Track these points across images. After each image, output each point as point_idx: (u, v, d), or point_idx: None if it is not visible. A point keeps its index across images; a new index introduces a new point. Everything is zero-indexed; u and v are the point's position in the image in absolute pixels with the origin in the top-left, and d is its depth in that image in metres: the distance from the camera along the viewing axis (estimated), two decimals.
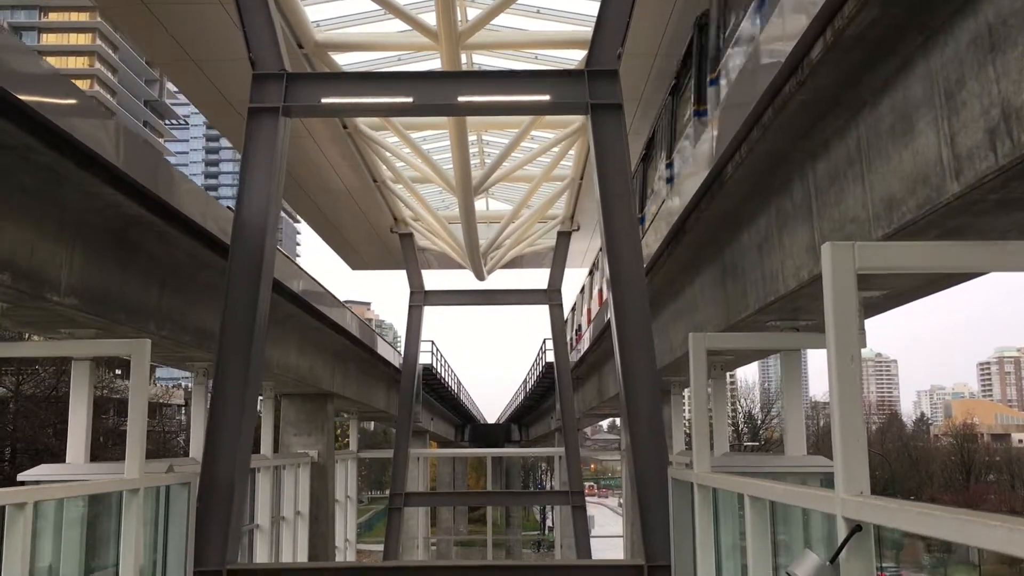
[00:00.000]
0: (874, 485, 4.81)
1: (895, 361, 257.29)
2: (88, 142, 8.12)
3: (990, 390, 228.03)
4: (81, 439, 10.37)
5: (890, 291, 14.14)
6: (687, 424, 21.40)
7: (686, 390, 21.05)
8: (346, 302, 23.98)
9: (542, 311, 27.75)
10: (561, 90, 11.08)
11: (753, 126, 7.92)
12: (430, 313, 26.85)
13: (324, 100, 11.12)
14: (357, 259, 33.09)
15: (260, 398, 19.74)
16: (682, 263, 13.01)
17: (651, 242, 13.38)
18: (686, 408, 21.53)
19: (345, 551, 27.99)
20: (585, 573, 10.90)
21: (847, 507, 4.73)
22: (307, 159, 21.38)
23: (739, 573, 8.77)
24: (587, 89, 10.85)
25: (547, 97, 11.18)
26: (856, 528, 4.72)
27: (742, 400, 77.44)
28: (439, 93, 11.26)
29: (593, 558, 26.04)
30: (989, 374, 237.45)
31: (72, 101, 8.12)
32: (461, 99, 11.18)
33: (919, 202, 6.01)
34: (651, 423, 10.18)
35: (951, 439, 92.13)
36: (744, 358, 15.16)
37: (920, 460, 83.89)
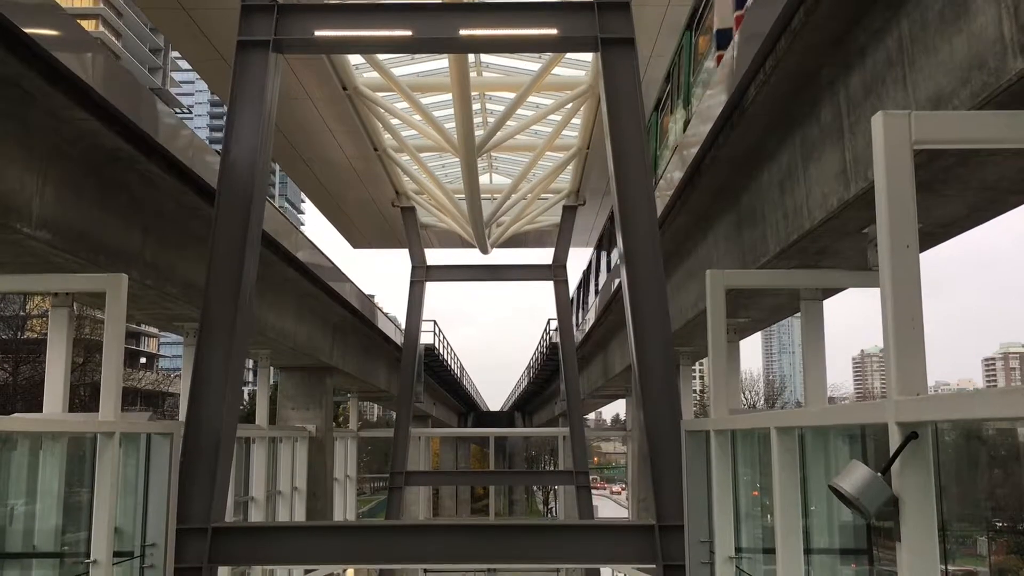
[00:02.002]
0: None
1: None
2: (56, 51, 7.47)
3: (995, 386, 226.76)
4: (59, 389, 9.70)
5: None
6: (696, 396, 20.79)
7: (698, 363, 20.43)
8: None
9: (548, 300, 27.11)
10: (569, 23, 10.43)
11: (781, 34, 7.26)
12: (433, 304, 26.23)
13: (318, 33, 10.48)
14: (359, 237, 32.45)
15: (256, 366, 19.13)
16: (695, 214, 12.36)
17: (664, 190, 12.72)
18: (696, 381, 20.94)
19: None
20: (593, 533, 10.27)
21: (902, 410, 4.08)
22: (306, 126, 20.75)
23: (760, 532, 8.16)
24: (597, 22, 10.21)
25: (554, 31, 10.53)
26: (912, 435, 4.08)
27: (747, 393, 76.65)
28: (440, 26, 10.61)
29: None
30: (994, 369, 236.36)
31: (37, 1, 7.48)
32: (463, 32, 10.53)
33: (973, 91, 5.36)
34: (663, 372, 9.53)
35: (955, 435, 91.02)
36: (760, 321, 14.50)
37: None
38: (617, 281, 23.07)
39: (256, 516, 18.39)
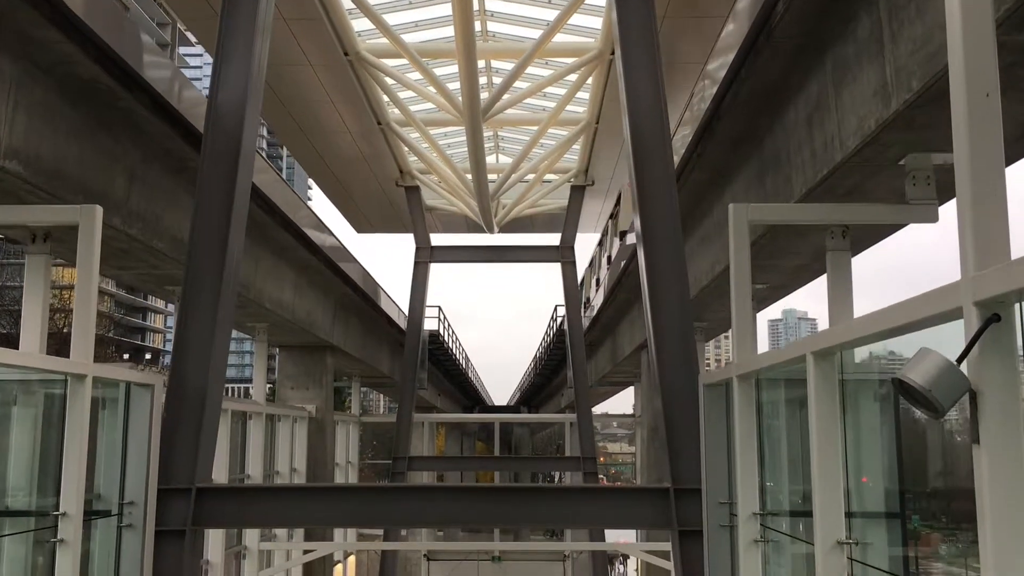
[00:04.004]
0: None
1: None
2: None
3: None
4: (35, 338, 9.11)
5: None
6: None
7: (712, 341, 19.76)
8: None
9: (553, 297, 26.44)
10: None
11: None
12: (435, 303, 25.53)
13: None
14: (362, 220, 31.85)
15: (253, 341, 18.52)
16: (712, 168, 11.68)
17: (677, 148, 12.04)
18: (709, 361, 20.26)
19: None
20: (604, 496, 9.60)
21: (980, 286, 3.41)
22: (308, 96, 20.14)
23: (787, 494, 7.49)
24: None
25: None
26: (993, 317, 3.41)
27: None
28: None
29: (606, 539, 24.76)
30: None
31: None
32: None
33: None
34: (679, 324, 8.85)
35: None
36: (779, 288, 13.82)
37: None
38: (623, 263, 22.43)
39: None
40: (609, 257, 25.90)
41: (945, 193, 7.92)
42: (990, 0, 3.54)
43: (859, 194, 8.59)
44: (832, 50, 7.75)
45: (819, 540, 5.44)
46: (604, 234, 29.45)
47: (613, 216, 26.58)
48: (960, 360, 3.46)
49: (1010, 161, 7.78)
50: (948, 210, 8.35)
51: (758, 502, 7.38)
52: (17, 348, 8.50)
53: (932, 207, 7.60)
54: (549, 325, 38.48)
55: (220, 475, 14.48)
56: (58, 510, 7.50)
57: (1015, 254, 3.42)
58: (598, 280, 28.55)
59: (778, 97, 9.14)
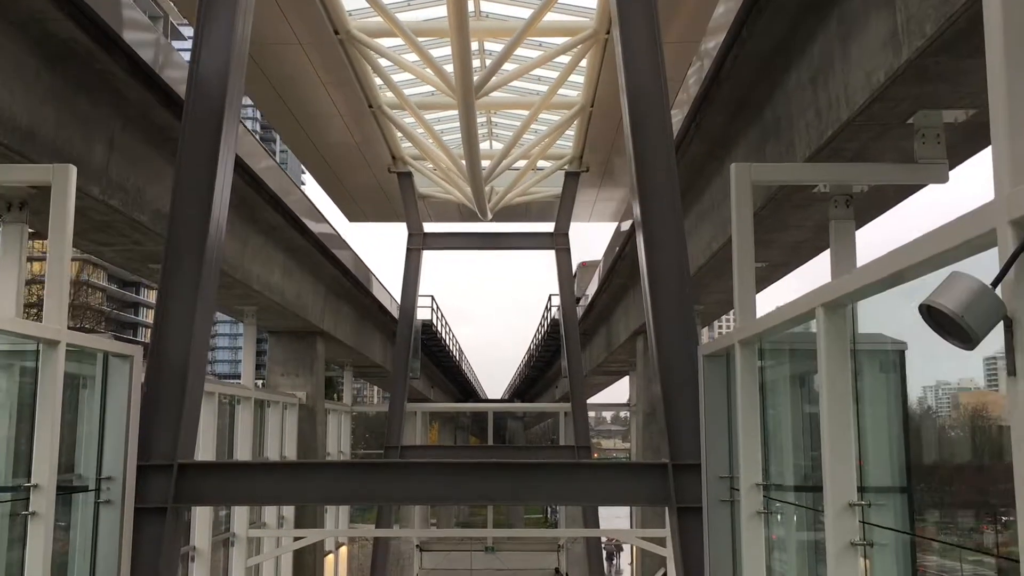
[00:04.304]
0: None
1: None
2: None
3: (995, 386, 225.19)
4: (10, 306, 8.77)
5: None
6: None
7: (707, 329, 19.48)
8: None
9: (551, 286, 26.19)
10: None
11: None
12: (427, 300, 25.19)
13: None
14: (355, 209, 31.51)
15: (241, 323, 18.15)
16: (711, 139, 11.38)
17: (675, 122, 11.72)
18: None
19: (337, 513, 26.27)
20: (601, 472, 9.30)
21: (1016, 205, 3.11)
22: (298, 83, 19.78)
23: (791, 469, 7.19)
24: None
25: None
26: None
27: None
28: None
29: (600, 526, 24.46)
30: (995, 368, 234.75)
31: None
32: None
33: None
34: (677, 293, 8.56)
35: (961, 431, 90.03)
36: (779, 266, 13.53)
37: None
38: (617, 248, 22.15)
39: None
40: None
41: (955, 154, 7.64)
42: None
43: (865, 157, 8.29)
44: (838, 3, 7.45)
45: (829, 503, 5.14)
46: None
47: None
48: (995, 284, 3.15)
49: None
50: (957, 173, 8.06)
51: (761, 472, 7.08)
52: None
53: (942, 167, 7.31)
54: (543, 316, 38.20)
55: None
56: (30, 482, 7.17)
57: None
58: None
59: (781, 58, 8.85)
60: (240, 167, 12.58)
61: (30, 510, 7.07)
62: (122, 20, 8.81)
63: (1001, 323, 3.14)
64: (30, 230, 9.12)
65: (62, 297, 7.40)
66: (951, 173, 7.58)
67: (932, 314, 3.19)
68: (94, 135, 9.66)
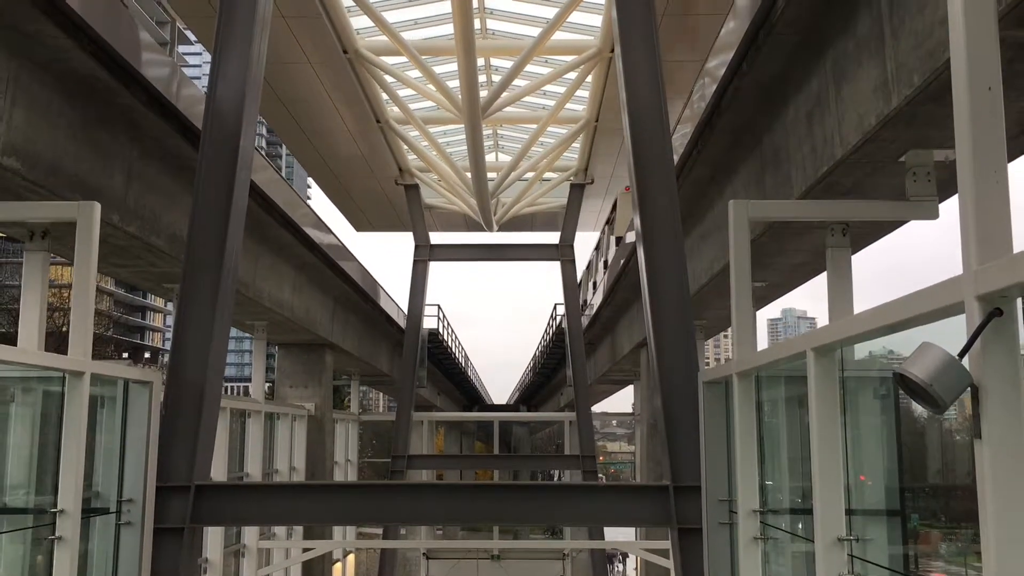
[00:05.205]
0: None
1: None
2: None
3: None
4: (33, 334, 9.09)
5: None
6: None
7: (712, 340, 19.72)
8: None
9: (552, 297, 26.44)
10: None
11: None
12: (436, 299, 25.58)
13: None
14: (362, 219, 31.83)
15: (251, 338, 18.49)
16: (712, 164, 11.65)
17: (678, 144, 12.02)
18: (709, 359, 20.19)
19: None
20: (603, 494, 9.58)
21: (982, 280, 3.39)
22: (307, 99, 20.11)
23: (787, 493, 7.47)
24: None
25: None
26: (995, 312, 3.39)
27: None
28: None
29: (606, 535, 24.73)
30: None
31: None
32: None
33: None
34: (679, 319, 8.83)
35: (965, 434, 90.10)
36: (778, 287, 13.80)
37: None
38: (621, 261, 22.39)
39: None
40: (606, 261, 25.89)
41: (945, 190, 7.90)
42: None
43: (859, 192, 8.56)
44: (832, 46, 7.73)
45: (819, 537, 5.42)
46: (601, 237, 29.44)
47: (609, 222, 26.59)
48: (962, 355, 3.44)
49: (1012, 157, 7.74)
50: (948, 207, 8.33)
51: (758, 499, 7.36)
52: (15, 346, 8.47)
53: (933, 204, 7.58)
54: (548, 324, 38.45)
55: (219, 473, 14.44)
56: (56, 507, 7.48)
57: (1016, 248, 3.41)
58: (595, 283, 28.54)
59: (778, 93, 9.12)
60: (252, 189, 12.88)
61: (56, 535, 7.37)
62: (141, 57, 9.12)
63: (968, 390, 3.43)
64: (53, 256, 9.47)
65: (87, 329, 7.70)
66: (943, 206, 7.87)
67: (904, 381, 3.48)
68: (113, 166, 9.97)
